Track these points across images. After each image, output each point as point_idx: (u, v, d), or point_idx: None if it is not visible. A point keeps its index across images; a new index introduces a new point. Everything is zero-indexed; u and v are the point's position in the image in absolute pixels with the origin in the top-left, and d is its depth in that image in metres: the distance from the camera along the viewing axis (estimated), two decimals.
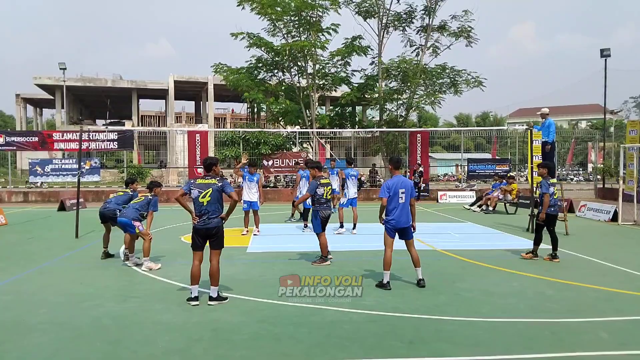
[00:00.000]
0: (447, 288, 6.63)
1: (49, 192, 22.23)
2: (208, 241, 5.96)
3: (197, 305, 5.83)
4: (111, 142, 23.28)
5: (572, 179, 38.04)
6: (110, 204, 8.61)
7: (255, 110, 41.99)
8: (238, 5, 23.59)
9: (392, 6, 25.23)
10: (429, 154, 25.16)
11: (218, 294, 5.93)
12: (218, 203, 5.93)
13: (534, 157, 13.09)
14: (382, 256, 6.58)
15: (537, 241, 8.80)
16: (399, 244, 6.69)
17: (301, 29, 24.03)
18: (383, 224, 6.69)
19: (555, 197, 8.79)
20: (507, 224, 13.66)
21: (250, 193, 11.44)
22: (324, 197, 8.21)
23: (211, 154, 24.64)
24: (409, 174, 21.97)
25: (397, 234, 6.65)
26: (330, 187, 8.50)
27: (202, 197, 5.85)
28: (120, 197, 8.72)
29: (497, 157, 32.51)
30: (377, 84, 25.84)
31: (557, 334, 4.95)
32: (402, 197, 6.55)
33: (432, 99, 24.85)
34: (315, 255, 8.77)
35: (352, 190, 11.88)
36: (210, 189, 5.86)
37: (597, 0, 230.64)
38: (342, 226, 11.79)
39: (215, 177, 6.02)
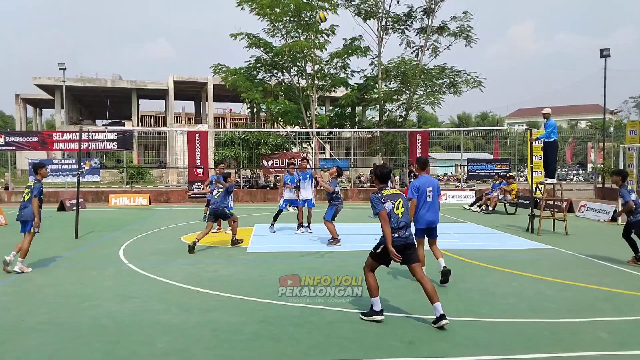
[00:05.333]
0: (447, 288, 6.63)
1: (48, 192, 22.20)
2: None
3: None
4: (111, 143, 23.28)
5: (571, 179, 38.08)
6: (219, 203, 9.64)
7: (255, 110, 41.97)
8: (237, 6, 23.60)
9: (391, 7, 25.29)
10: (429, 154, 25.16)
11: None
12: None
13: (533, 157, 13.09)
14: None
15: (633, 246, 8.28)
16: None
17: (300, 29, 24.03)
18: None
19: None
20: (506, 224, 13.65)
21: (305, 191, 11.47)
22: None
23: (211, 154, 24.62)
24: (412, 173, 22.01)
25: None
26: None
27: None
28: (222, 193, 9.71)
29: (497, 157, 32.50)
30: (377, 85, 25.85)
31: (557, 334, 4.95)
32: (429, 196, 6.62)
33: (432, 99, 24.86)
34: (314, 255, 8.81)
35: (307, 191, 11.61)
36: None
37: (597, 0, 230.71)
38: (301, 226, 11.67)
39: None
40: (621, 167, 14.94)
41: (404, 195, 5.51)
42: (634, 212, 8.08)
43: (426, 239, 6.84)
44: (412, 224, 6.21)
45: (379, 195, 5.26)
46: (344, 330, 4.98)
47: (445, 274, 6.73)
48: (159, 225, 13.41)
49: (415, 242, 6.56)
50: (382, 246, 5.19)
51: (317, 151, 26.07)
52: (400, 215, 5.22)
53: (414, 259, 5.30)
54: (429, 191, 6.63)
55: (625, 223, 8.44)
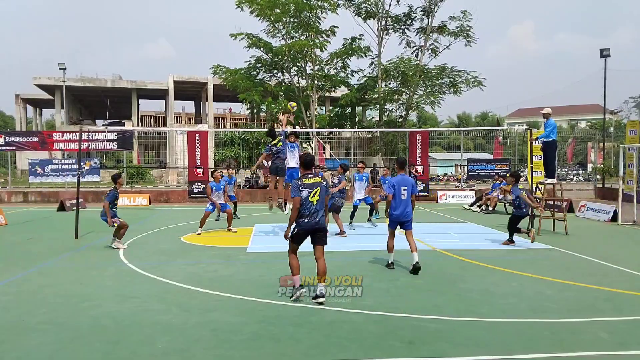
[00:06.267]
0: (447, 288, 6.63)
1: (48, 192, 22.22)
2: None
3: None
4: (111, 142, 23.29)
5: (571, 179, 38.06)
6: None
7: (255, 110, 41.98)
8: (237, 7, 23.59)
9: (390, 7, 25.32)
10: (429, 154, 25.18)
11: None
12: None
13: (533, 157, 13.09)
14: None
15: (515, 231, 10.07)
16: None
17: (300, 30, 24.04)
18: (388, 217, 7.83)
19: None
20: (506, 224, 13.61)
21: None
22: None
23: (211, 154, 24.64)
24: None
25: (399, 225, 7.48)
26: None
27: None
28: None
29: (497, 157, 32.44)
30: (377, 85, 25.87)
31: (557, 334, 4.95)
32: (404, 194, 7.36)
33: (432, 99, 24.88)
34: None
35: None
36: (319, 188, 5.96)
37: (597, 0, 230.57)
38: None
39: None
40: (621, 167, 14.95)
41: (324, 184, 5.98)
42: (516, 207, 10.04)
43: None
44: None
45: (299, 182, 5.86)
46: (344, 330, 4.98)
47: (415, 270, 7.23)
48: (159, 225, 13.41)
49: (388, 232, 7.58)
50: (295, 228, 5.90)
51: (317, 151, 26.06)
52: (315, 203, 5.83)
53: (320, 241, 5.96)
54: (404, 190, 7.39)
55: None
